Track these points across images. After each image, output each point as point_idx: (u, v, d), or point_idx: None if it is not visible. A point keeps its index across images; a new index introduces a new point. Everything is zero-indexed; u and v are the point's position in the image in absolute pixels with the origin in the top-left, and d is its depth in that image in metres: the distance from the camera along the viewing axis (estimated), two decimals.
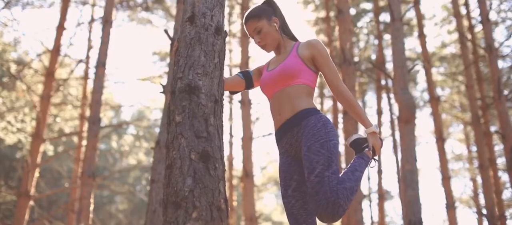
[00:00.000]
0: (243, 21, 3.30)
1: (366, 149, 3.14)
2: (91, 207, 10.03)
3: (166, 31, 5.81)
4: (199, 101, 2.71)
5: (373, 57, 19.70)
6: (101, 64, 10.40)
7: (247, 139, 12.11)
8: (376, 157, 3.19)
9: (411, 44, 20.60)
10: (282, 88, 3.08)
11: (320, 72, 3.19)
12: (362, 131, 7.35)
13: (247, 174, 11.66)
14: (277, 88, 3.10)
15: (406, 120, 6.54)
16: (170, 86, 2.85)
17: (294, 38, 3.31)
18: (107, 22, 10.79)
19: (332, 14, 17.23)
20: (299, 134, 2.98)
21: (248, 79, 3.37)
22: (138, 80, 17.23)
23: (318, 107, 20.11)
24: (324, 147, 2.86)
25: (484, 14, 9.58)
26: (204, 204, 2.49)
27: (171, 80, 2.78)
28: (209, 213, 2.49)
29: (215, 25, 2.95)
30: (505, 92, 10.55)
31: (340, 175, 2.91)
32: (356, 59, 18.83)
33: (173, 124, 2.69)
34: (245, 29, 3.30)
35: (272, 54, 3.37)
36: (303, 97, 3.05)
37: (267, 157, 28.17)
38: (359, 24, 19.73)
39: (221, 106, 2.84)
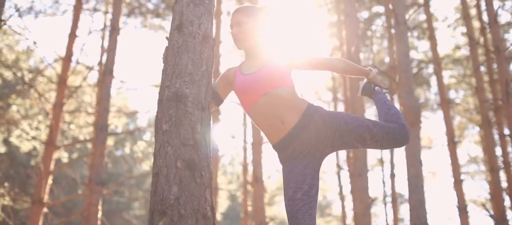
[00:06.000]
0: (232, 11, 3.26)
1: (377, 88, 3.41)
2: (99, 214, 10.06)
3: (167, 38, 5.86)
4: (186, 109, 2.72)
5: (387, 60, 19.63)
6: (108, 71, 10.43)
7: (257, 144, 12.08)
8: (386, 90, 3.46)
9: (425, 47, 20.52)
10: (270, 90, 3.00)
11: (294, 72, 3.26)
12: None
13: (257, 179, 11.60)
14: (264, 91, 3.01)
15: (411, 124, 6.50)
16: (158, 94, 2.86)
17: (272, 49, 3.24)
18: (114, 29, 10.81)
19: (343, 18, 17.12)
20: (319, 128, 3.01)
21: (215, 97, 3.22)
22: (152, 86, 17.28)
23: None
24: (353, 118, 3.07)
25: (492, 15, 9.48)
26: (190, 212, 2.50)
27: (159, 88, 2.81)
28: (194, 220, 2.50)
29: (202, 33, 2.95)
30: None
31: (378, 113, 3.26)
32: (369, 62, 18.79)
33: (160, 132, 2.70)
34: (230, 17, 3.25)
35: (236, 62, 3.35)
36: (297, 97, 3.06)
37: None
38: (373, 27, 19.65)
39: (208, 114, 2.83)
